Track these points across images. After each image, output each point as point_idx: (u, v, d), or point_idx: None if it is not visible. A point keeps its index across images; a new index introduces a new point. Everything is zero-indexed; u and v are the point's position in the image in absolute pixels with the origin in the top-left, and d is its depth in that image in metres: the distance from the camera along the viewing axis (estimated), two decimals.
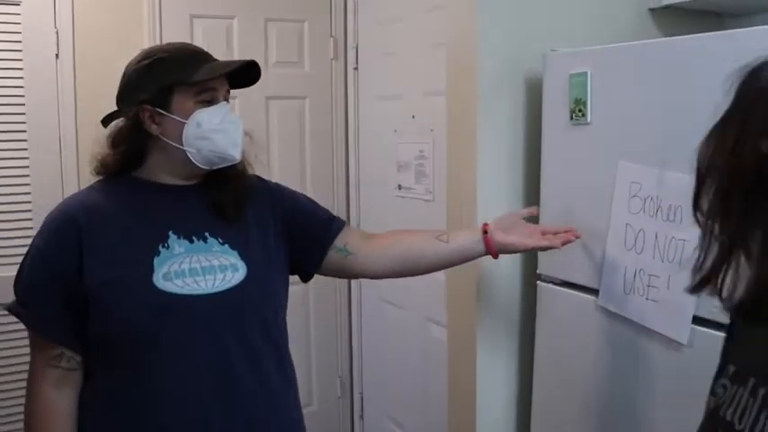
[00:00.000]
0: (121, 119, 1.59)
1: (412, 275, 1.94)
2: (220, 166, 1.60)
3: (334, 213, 1.92)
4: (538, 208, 1.87)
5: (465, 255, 1.90)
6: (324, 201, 3.54)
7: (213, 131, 1.54)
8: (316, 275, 1.87)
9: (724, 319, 1.74)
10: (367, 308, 3.65)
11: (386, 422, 3.53)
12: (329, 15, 3.58)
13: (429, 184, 3.02)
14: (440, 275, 2.67)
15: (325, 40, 3.58)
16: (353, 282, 3.69)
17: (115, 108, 1.62)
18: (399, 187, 3.22)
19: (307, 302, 3.64)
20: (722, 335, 1.74)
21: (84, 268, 1.49)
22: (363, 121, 3.56)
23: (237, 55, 3.36)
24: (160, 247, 1.53)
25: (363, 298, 3.67)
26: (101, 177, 1.62)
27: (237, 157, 1.61)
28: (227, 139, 1.56)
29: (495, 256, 1.88)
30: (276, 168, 3.49)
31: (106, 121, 1.63)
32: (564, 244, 1.87)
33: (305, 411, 3.66)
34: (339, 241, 1.83)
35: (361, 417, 3.77)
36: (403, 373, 3.32)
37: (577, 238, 1.91)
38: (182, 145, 1.54)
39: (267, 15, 3.44)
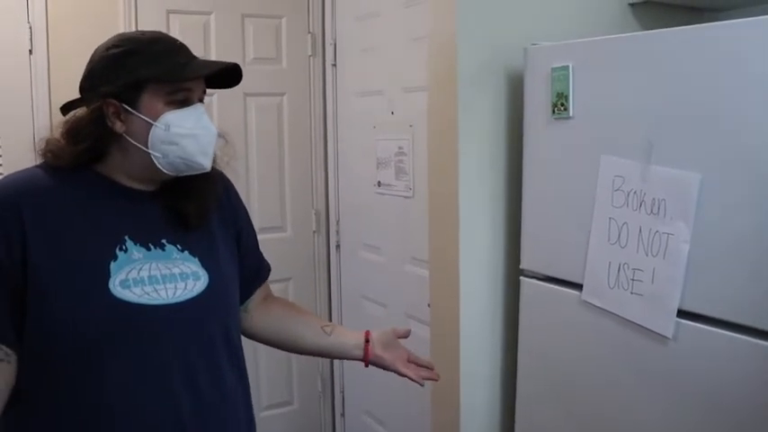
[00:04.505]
0: (82, 108, 1.41)
1: (287, 351, 1.85)
2: (187, 174, 1.45)
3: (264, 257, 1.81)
4: (410, 330, 1.83)
5: (341, 353, 1.82)
6: (303, 198, 3.59)
7: (182, 136, 1.38)
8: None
9: (709, 312, 1.76)
10: (347, 305, 3.62)
11: (367, 419, 3.51)
12: (307, 11, 3.56)
13: (409, 181, 3.00)
14: (423, 272, 2.66)
15: (302, 36, 3.56)
16: (333, 278, 3.67)
17: (78, 95, 1.44)
18: (379, 184, 3.20)
19: (286, 299, 3.61)
20: (707, 328, 1.76)
21: (27, 261, 1.31)
22: (342, 118, 3.54)
23: (215, 51, 3.33)
24: (117, 251, 1.38)
25: (344, 295, 3.65)
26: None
27: (207, 166, 1.45)
28: (196, 145, 1.41)
29: (366, 365, 1.81)
30: (254, 166, 3.48)
31: (65, 109, 1.45)
32: (426, 379, 1.82)
33: (286, 410, 3.67)
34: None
35: (343, 414, 3.75)
36: (384, 371, 3.29)
37: (438, 379, 1.87)
38: (147, 147, 1.38)
39: (244, 11, 3.41)
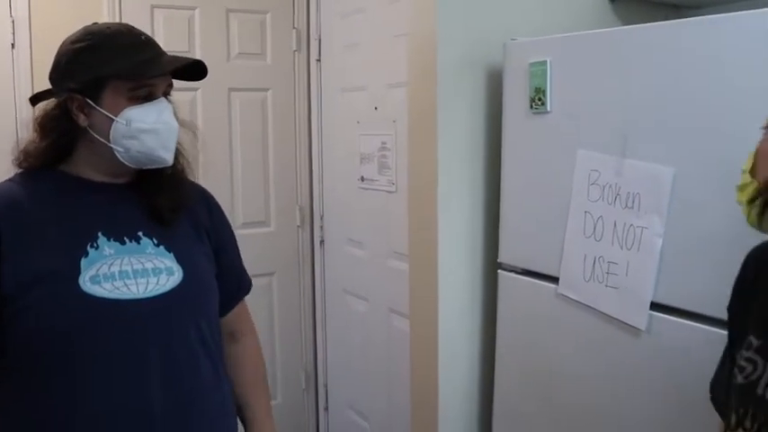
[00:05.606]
0: (51, 101, 1.44)
1: None
2: (150, 167, 1.47)
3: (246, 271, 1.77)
4: None
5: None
6: (287, 193, 3.60)
7: (143, 131, 1.40)
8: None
9: (681, 304, 1.78)
10: (331, 300, 3.64)
11: (350, 414, 3.53)
12: (292, 7, 3.56)
13: (392, 176, 3.01)
14: (405, 266, 2.68)
15: (287, 31, 3.56)
16: (317, 273, 3.68)
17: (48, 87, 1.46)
18: (362, 179, 3.22)
19: (270, 294, 3.63)
20: (679, 320, 1.79)
21: (2, 268, 1.33)
22: (326, 113, 3.55)
23: (199, 46, 3.33)
24: (88, 248, 1.39)
25: (327, 290, 3.66)
26: (22, 170, 1.46)
27: (169, 160, 1.47)
28: (157, 140, 1.42)
29: None
30: (238, 161, 3.48)
31: (35, 100, 1.47)
32: None
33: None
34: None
35: (326, 409, 3.76)
36: (367, 365, 3.32)
37: None
38: (109, 142, 1.40)
39: (229, 6, 3.40)
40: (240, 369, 1.73)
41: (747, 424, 1.04)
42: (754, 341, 1.09)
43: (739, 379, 1.08)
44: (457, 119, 2.36)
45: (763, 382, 1.03)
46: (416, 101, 2.44)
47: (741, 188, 1.06)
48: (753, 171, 1.01)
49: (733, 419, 1.08)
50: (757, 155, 1.01)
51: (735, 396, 1.09)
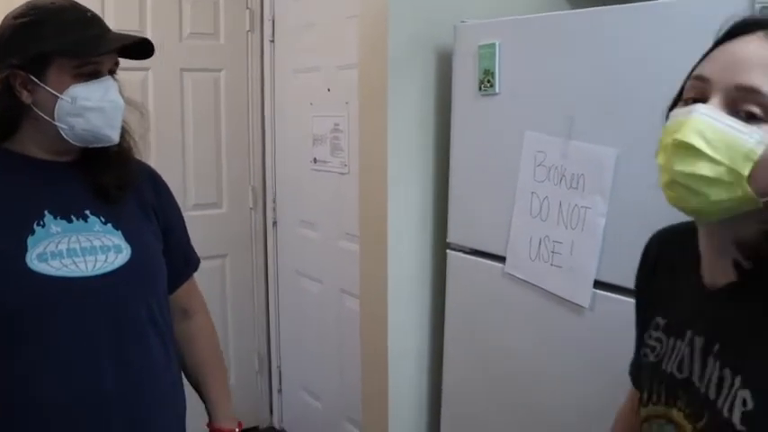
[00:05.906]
0: None
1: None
2: (96, 146, 1.45)
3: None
4: None
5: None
6: (239, 175, 3.59)
7: (88, 109, 1.38)
8: None
9: (623, 282, 1.82)
10: (283, 282, 3.64)
11: (303, 395, 3.55)
12: None
13: (344, 158, 3.02)
14: (357, 247, 2.69)
15: (241, 11, 3.53)
16: (270, 255, 3.69)
17: None
18: (315, 161, 3.22)
19: (222, 276, 3.62)
20: (621, 298, 1.82)
21: None
22: (279, 95, 3.54)
23: (151, 26, 3.28)
24: (35, 226, 1.38)
25: (280, 272, 3.66)
26: None
27: (115, 138, 1.45)
28: (103, 118, 1.41)
29: None
30: (191, 142, 3.45)
31: None
32: None
33: None
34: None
35: (280, 390, 3.78)
36: (320, 347, 3.33)
37: None
38: (53, 119, 1.38)
39: None
40: (194, 345, 1.75)
41: (654, 398, 1.08)
42: (661, 321, 1.13)
43: (651, 358, 1.12)
44: (407, 100, 2.37)
45: (666, 358, 1.07)
46: (367, 80, 2.45)
47: (697, 178, 0.94)
48: (750, 179, 0.90)
49: (645, 396, 1.12)
50: (758, 164, 0.90)
51: (646, 374, 1.13)
